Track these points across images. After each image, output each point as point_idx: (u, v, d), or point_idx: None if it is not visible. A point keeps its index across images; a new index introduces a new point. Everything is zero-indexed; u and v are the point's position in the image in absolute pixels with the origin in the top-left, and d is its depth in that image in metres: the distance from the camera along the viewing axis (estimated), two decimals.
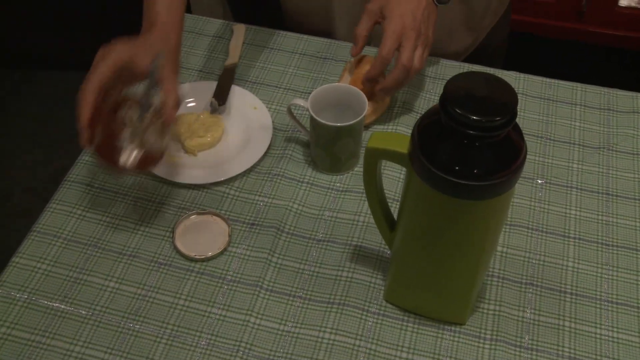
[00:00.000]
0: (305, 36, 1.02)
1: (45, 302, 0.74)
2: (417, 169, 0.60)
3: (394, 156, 0.63)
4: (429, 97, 0.95)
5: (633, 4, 1.66)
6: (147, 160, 0.74)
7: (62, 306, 0.73)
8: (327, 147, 0.83)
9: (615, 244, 0.80)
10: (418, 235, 0.66)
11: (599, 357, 0.71)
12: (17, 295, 0.74)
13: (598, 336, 0.73)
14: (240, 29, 1.01)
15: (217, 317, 0.73)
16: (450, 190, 0.59)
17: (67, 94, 2.03)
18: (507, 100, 0.57)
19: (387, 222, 0.72)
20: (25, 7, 1.97)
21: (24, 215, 1.71)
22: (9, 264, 0.77)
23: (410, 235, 0.68)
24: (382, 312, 0.74)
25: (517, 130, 0.60)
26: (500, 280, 0.77)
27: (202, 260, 0.78)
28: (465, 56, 1.07)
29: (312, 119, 0.81)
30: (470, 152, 0.58)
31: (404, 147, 0.62)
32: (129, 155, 0.74)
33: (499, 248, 0.79)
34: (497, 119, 0.56)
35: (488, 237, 0.65)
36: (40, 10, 1.95)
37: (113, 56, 0.73)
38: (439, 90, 0.95)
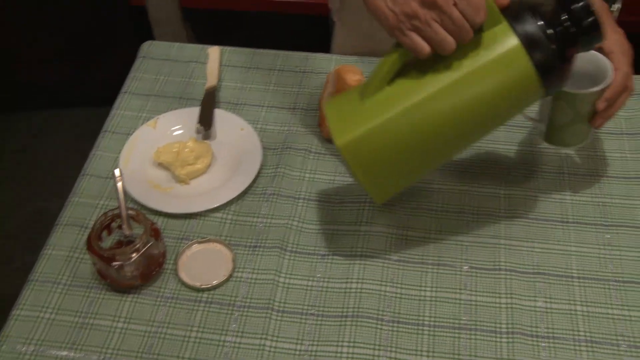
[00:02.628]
0: (282, 52, 1.02)
1: (54, 352, 0.72)
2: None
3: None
4: None
5: None
6: None
7: (72, 354, 0.72)
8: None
9: (614, 223, 0.81)
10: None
11: (614, 337, 0.72)
12: (23, 348, 0.72)
13: (610, 316, 0.74)
14: (215, 52, 1.01)
15: (232, 345, 0.72)
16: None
17: (44, 133, 2.00)
18: None
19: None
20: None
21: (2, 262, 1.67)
22: (9, 317, 0.75)
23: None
24: (396, 319, 0.74)
25: None
26: (509, 272, 0.77)
27: (209, 289, 0.76)
28: None
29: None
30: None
31: None
32: None
33: (503, 240, 0.80)
34: None
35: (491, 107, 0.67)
36: (18, 49, 1.89)
37: None
38: None
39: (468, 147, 0.73)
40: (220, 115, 0.92)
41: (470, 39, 0.66)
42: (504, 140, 0.90)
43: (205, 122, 0.90)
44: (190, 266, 0.78)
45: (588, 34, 0.68)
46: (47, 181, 1.78)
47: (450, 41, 0.65)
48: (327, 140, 0.90)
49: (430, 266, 0.78)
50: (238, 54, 1.02)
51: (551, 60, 0.67)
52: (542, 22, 0.67)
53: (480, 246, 0.80)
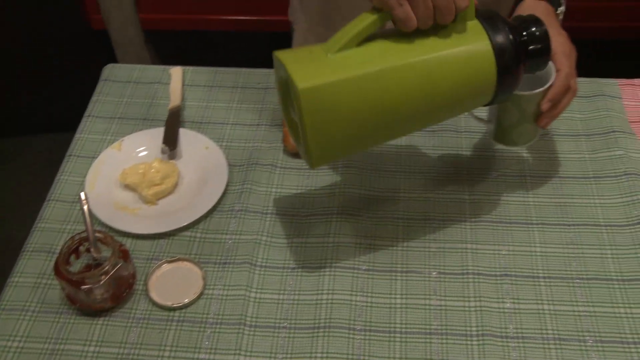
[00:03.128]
0: (244, 69, 1.03)
1: None
2: None
3: None
4: None
5: None
6: None
7: None
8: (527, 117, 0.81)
9: (575, 222, 0.83)
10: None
11: (580, 333, 0.74)
12: None
13: (576, 313, 0.75)
14: (177, 72, 1.01)
15: None
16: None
17: (8, 160, 1.97)
18: None
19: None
20: None
21: None
22: None
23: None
24: (368, 328, 0.74)
25: None
26: (476, 276, 0.79)
27: (180, 308, 0.76)
28: None
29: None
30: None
31: None
32: None
33: (469, 245, 0.81)
34: None
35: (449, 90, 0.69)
36: None
37: None
38: None
39: (414, 129, 0.75)
40: (185, 135, 0.93)
41: (448, 22, 0.68)
42: (466, 146, 0.92)
43: (170, 142, 0.90)
44: (161, 286, 0.78)
45: (540, 57, 0.74)
46: (13, 209, 1.75)
47: (432, 19, 0.67)
48: (292, 154, 0.91)
49: (399, 274, 0.79)
50: (200, 73, 1.03)
51: (510, 65, 0.70)
52: (508, 29, 0.70)
53: (447, 252, 0.81)
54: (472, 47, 0.69)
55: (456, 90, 0.70)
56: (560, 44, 0.80)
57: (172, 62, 1.05)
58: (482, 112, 0.87)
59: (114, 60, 1.81)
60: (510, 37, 0.70)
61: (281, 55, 0.69)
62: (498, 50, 0.69)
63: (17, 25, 1.70)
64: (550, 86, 0.78)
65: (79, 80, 1.07)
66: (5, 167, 1.87)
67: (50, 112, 1.88)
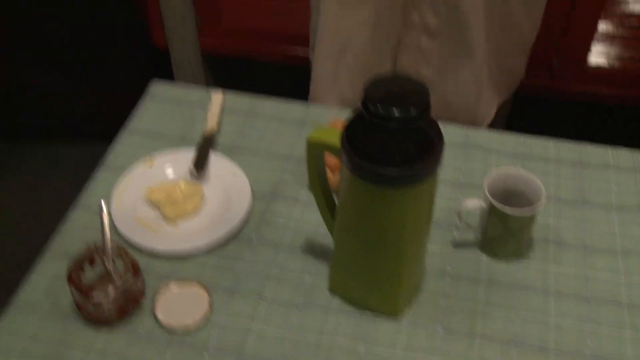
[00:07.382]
0: (283, 100, 1.05)
1: None
2: (345, 159, 0.66)
3: (330, 148, 0.70)
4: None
5: (601, 64, 1.71)
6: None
7: None
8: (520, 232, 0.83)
9: (595, 297, 0.80)
10: (348, 223, 0.73)
11: None
12: None
13: None
14: (218, 97, 1.04)
15: None
16: (371, 178, 0.65)
17: (56, 164, 2.04)
18: (420, 97, 0.64)
19: (329, 210, 0.79)
20: None
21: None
22: None
23: (343, 223, 0.74)
24: None
25: (435, 127, 0.67)
26: (484, 339, 0.76)
27: (183, 330, 0.77)
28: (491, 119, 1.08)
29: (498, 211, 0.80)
30: (388, 143, 0.65)
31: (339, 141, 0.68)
32: None
33: (480, 305, 0.79)
34: (410, 112, 0.63)
35: (408, 226, 0.70)
36: (44, 85, 1.95)
37: None
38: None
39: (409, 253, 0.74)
40: (215, 159, 0.94)
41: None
42: None
43: (199, 164, 0.92)
44: (167, 306, 0.79)
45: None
46: (49, 214, 1.80)
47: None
48: None
49: (403, 326, 0.78)
50: (240, 100, 1.05)
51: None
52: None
53: (455, 310, 0.79)
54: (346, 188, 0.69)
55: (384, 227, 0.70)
56: None
57: (226, 87, 1.08)
58: (472, 219, 0.86)
59: (172, 78, 1.86)
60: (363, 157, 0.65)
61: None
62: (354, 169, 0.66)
63: (83, 34, 1.77)
64: (537, 209, 0.79)
65: (136, 94, 1.10)
66: (53, 171, 1.93)
67: (108, 121, 1.94)
